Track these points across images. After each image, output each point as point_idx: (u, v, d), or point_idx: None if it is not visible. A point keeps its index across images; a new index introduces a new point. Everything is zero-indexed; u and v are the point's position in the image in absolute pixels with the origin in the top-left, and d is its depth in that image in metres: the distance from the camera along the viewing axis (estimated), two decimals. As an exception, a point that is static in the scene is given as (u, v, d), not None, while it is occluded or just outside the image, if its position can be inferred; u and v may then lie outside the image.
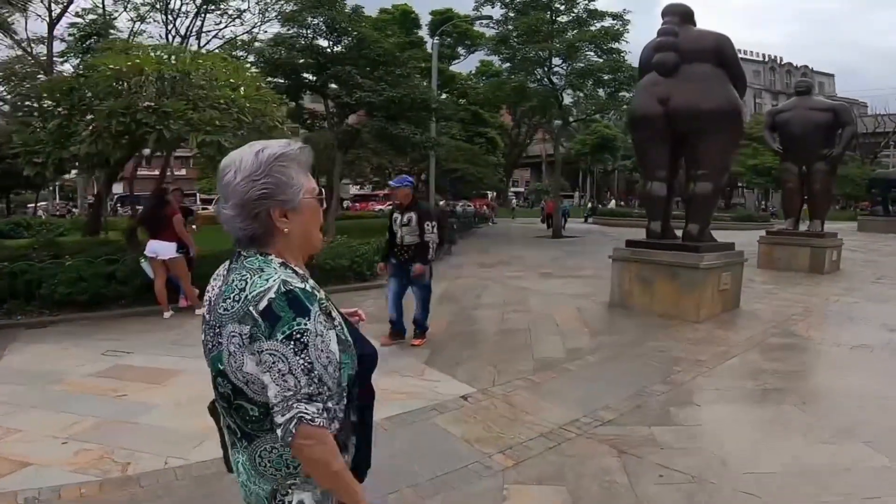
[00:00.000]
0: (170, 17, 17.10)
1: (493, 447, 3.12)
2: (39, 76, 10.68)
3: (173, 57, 7.54)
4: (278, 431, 1.00)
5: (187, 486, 2.82)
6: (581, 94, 19.56)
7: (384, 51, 13.11)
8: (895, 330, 5.83)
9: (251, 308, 1.01)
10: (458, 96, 27.31)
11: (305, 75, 14.36)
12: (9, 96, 12.27)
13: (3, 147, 9.28)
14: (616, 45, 17.41)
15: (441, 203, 29.48)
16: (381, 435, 3.09)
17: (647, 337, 5.58)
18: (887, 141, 41.52)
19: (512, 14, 18.58)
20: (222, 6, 17.75)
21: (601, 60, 17.72)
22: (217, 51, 17.21)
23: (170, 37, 17.26)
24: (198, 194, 37.96)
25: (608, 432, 3.28)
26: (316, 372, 1.01)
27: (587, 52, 17.85)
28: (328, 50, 13.71)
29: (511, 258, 12.88)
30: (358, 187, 35.82)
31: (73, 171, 22.76)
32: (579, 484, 2.73)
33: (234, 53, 15.70)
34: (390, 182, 6.03)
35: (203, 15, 17.63)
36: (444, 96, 25.94)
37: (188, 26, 18.17)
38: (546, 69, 18.42)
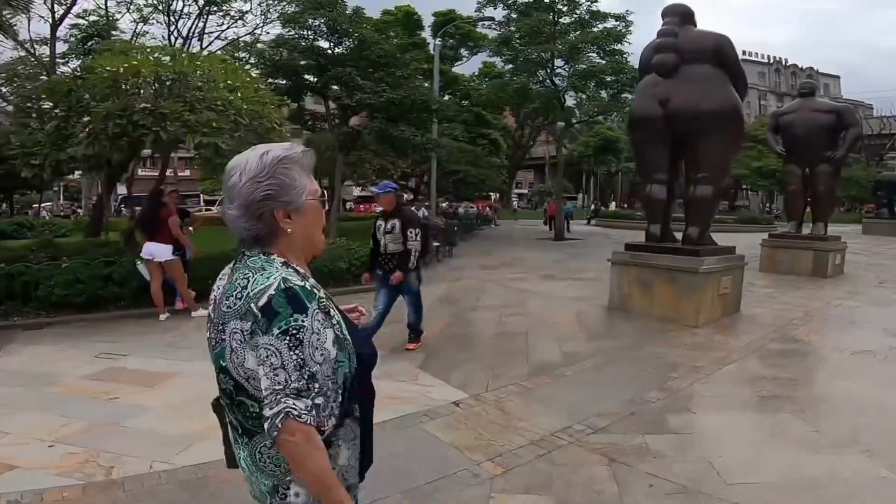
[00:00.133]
0: (172, 18, 17.13)
1: (482, 454, 3.08)
2: (42, 77, 10.71)
3: (171, 58, 7.54)
4: (265, 424, 1.01)
5: (171, 490, 2.79)
6: (583, 96, 19.48)
7: (385, 52, 13.09)
8: (898, 335, 5.75)
9: (252, 305, 1.04)
10: (461, 98, 27.25)
11: (307, 77, 14.36)
12: (12, 97, 12.31)
13: (3, 148, 9.32)
14: (618, 47, 17.33)
15: (444, 205, 29.48)
16: (370, 441, 3.05)
17: (645, 342, 5.51)
18: (893, 143, 41.23)
19: (514, 15, 18.54)
20: (224, 7, 17.78)
21: (603, 62, 17.64)
22: (219, 52, 17.22)
23: (172, 38, 17.30)
24: (201, 195, 38.13)
25: (600, 440, 3.23)
26: (308, 368, 1.02)
27: (589, 54, 17.78)
28: (329, 51, 13.70)
29: (513, 260, 12.83)
30: (360, 189, 35.86)
31: (77, 172, 22.94)
32: (567, 493, 2.68)
33: (236, 55, 15.72)
34: (373, 188, 5.86)
35: (205, 16, 17.66)
36: (447, 98, 25.93)
37: (191, 28, 18.22)
38: (548, 70, 18.36)
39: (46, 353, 5.17)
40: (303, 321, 1.03)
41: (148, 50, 8.38)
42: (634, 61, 15.37)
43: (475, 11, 19.82)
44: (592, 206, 38.85)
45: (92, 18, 16.15)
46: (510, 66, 19.54)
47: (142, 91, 6.75)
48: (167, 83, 6.96)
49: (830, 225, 10.45)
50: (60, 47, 15.92)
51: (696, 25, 6.81)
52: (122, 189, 25.49)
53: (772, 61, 61.21)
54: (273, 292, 1.04)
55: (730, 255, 6.84)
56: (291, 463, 1.05)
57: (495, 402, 3.89)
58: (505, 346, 5.44)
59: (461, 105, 25.92)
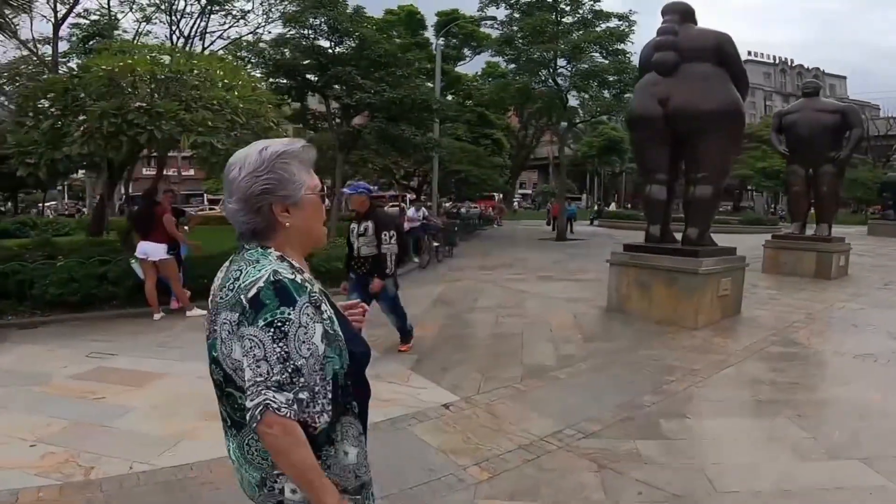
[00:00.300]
0: (174, 17, 17.15)
1: (469, 459, 3.01)
2: (44, 77, 10.71)
3: (168, 57, 7.51)
4: (247, 415, 1.02)
5: (149, 492, 2.75)
6: (586, 96, 19.37)
7: (385, 51, 13.04)
8: (901, 339, 5.64)
9: (242, 296, 1.05)
10: (464, 98, 27.21)
11: (309, 76, 14.33)
12: (14, 97, 12.35)
13: (4, 147, 9.33)
14: (621, 46, 17.22)
15: (447, 204, 29.42)
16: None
17: (642, 344, 5.43)
18: (900, 144, 40.82)
19: (517, 15, 18.46)
20: (227, 7, 17.78)
21: (606, 62, 17.54)
22: (221, 51, 17.24)
23: (174, 37, 17.31)
24: (205, 195, 38.26)
25: (590, 445, 3.16)
26: (292, 362, 1.02)
27: (592, 54, 17.67)
28: (330, 50, 13.66)
29: (513, 261, 12.76)
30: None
31: (81, 172, 23.00)
32: (554, 500, 2.61)
33: (238, 54, 15.72)
34: (344, 189, 5.59)
35: (207, 16, 17.67)
36: (450, 98, 25.87)
37: (193, 27, 18.23)
38: (551, 70, 18.27)
39: (38, 353, 5.14)
40: (289, 314, 1.03)
41: (145, 49, 8.36)
42: (637, 61, 15.28)
43: (478, 11, 19.76)
44: (596, 207, 38.68)
45: (93, 18, 16.19)
46: (513, 65, 19.46)
47: (138, 90, 6.73)
48: (163, 82, 6.93)
49: (836, 226, 10.33)
50: (63, 47, 15.94)
51: (696, 23, 6.71)
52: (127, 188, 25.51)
53: (777, 62, 60.85)
54: (262, 284, 1.04)
55: (730, 256, 6.75)
56: (273, 455, 1.05)
57: (486, 405, 3.82)
58: (500, 347, 5.37)
59: (464, 105, 25.87)
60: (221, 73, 7.77)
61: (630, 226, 23.61)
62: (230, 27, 18.72)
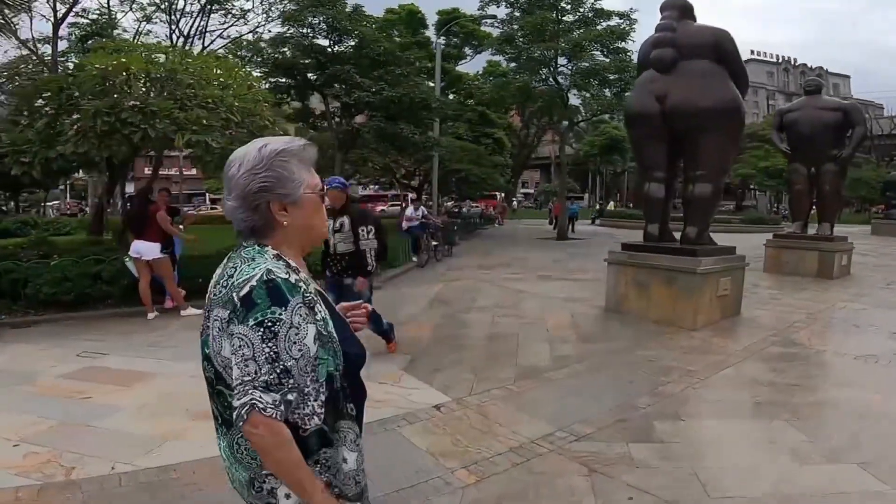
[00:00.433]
0: (173, 17, 17.13)
1: (457, 462, 2.95)
2: (43, 76, 10.71)
3: (163, 56, 7.47)
4: (234, 414, 1.02)
5: (130, 493, 2.71)
6: (587, 95, 19.27)
7: (384, 50, 12.99)
8: (903, 339, 5.55)
9: (234, 294, 1.05)
10: (465, 97, 27.12)
11: (310, 75, 14.30)
12: (13, 96, 12.33)
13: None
14: (622, 45, 17.12)
15: (449, 204, 29.34)
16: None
17: (640, 345, 5.36)
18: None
19: (517, 13, 18.37)
20: (226, 6, 17.75)
21: (607, 60, 17.44)
22: (221, 50, 17.21)
23: (174, 37, 17.30)
24: (207, 194, 38.28)
25: (582, 448, 3.09)
26: (281, 362, 1.01)
27: (593, 52, 17.58)
28: (329, 49, 13.62)
29: (512, 260, 12.69)
30: (362, 187, 35.87)
31: (82, 171, 22.99)
32: (542, 505, 2.55)
33: (239, 53, 15.68)
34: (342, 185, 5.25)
35: (207, 15, 17.64)
36: (451, 97, 25.78)
37: (194, 26, 18.21)
38: (551, 69, 18.19)
39: (29, 352, 5.11)
40: (280, 314, 1.02)
41: (141, 48, 8.32)
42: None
43: (478, 10, 19.68)
44: (597, 206, 38.56)
45: (92, 17, 16.18)
46: (513, 64, 19.38)
47: (132, 89, 6.69)
48: (158, 81, 6.89)
49: (839, 225, 10.22)
50: (63, 46, 15.94)
51: (695, 20, 6.64)
52: (129, 188, 25.56)
53: (780, 61, 60.53)
54: (255, 283, 1.04)
55: (729, 256, 6.66)
56: (260, 455, 1.05)
57: (478, 407, 3.75)
58: (495, 348, 5.30)
59: (465, 104, 25.78)
60: (217, 71, 7.73)
61: (632, 225, 23.48)
62: (230, 26, 18.71)
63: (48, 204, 35.01)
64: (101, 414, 3.64)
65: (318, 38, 13.53)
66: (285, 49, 13.66)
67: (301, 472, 1.05)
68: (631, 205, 41.88)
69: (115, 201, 14.98)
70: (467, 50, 27.60)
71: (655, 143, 6.56)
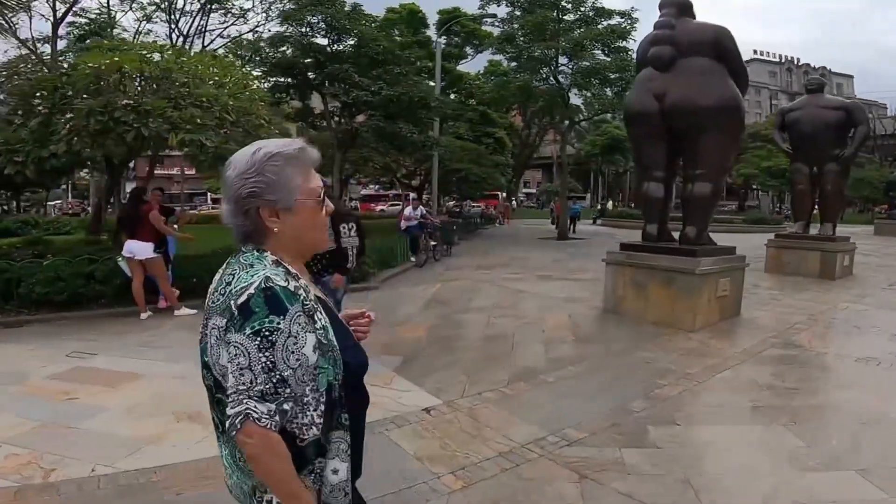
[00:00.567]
0: (173, 16, 17.10)
1: (444, 467, 2.88)
2: (38, 75, 10.66)
3: (157, 55, 7.42)
4: (227, 423, 1.00)
5: (108, 495, 2.67)
6: (588, 94, 19.18)
7: (383, 49, 12.92)
8: (906, 341, 5.45)
9: (232, 302, 1.02)
10: (466, 96, 27.03)
11: (310, 74, 14.25)
12: (12, 95, 12.31)
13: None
14: (623, 44, 17.01)
15: (450, 203, 29.27)
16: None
17: (637, 346, 5.27)
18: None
19: (518, 13, 18.28)
20: (226, 5, 17.71)
21: (608, 59, 17.33)
22: (221, 50, 17.16)
23: (173, 36, 17.27)
24: (208, 193, 38.30)
25: (573, 454, 3.01)
26: (278, 372, 0.99)
27: (594, 51, 17.48)
28: (328, 48, 13.56)
29: (512, 260, 12.61)
30: (362, 187, 35.85)
31: (84, 171, 22.97)
32: (530, 513, 2.47)
33: (238, 53, 15.64)
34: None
35: (207, 14, 17.61)
36: (452, 96, 25.70)
37: (192, 26, 18.17)
38: (552, 68, 18.09)
39: (19, 352, 5.07)
40: (278, 323, 1.00)
41: (136, 47, 8.28)
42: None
43: (479, 9, 19.60)
44: (599, 206, 38.43)
45: (90, 16, 16.15)
46: (514, 63, 19.30)
47: (126, 88, 6.64)
48: (152, 80, 6.85)
49: (841, 225, 10.11)
50: (63, 45, 15.92)
51: (694, 17, 6.55)
52: (130, 187, 25.50)
53: (783, 60, 60.24)
54: (253, 291, 1.01)
55: (729, 256, 6.57)
56: (251, 464, 1.03)
57: (469, 410, 3.68)
58: (489, 349, 5.23)
59: (466, 104, 25.69)
60: (213, 70, 7.68)
61: (633, 225, 23.36)
62: (230, 25, 18.67)
63: (50, 203, 35.08)
64: (85, 415, 3.59)
65: (316, 38, 13.47)
66: (284, 48, 13.62)
67: (293, 483, 1.03)
68: (633, 205, 41.75)
69: (114, 201, 14.94)
70: (468, 49, 27.53)
71: (654, 141, 6.47)
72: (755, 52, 58.57)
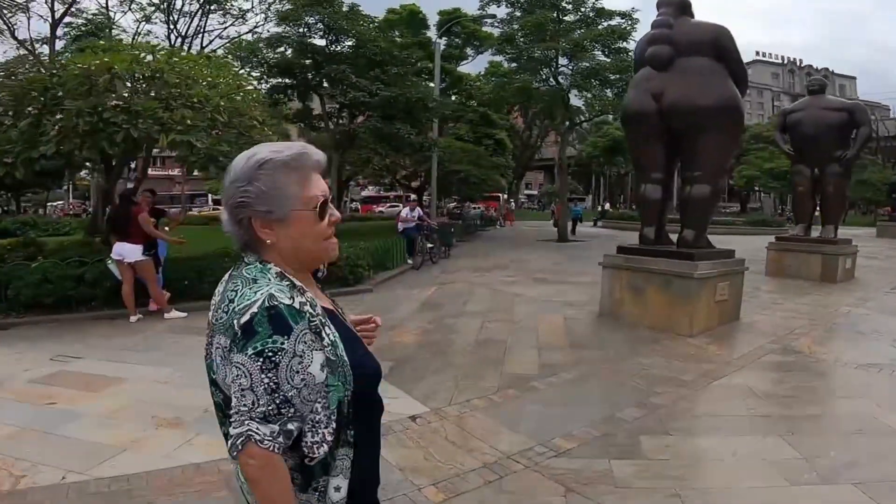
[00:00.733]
0: (171, 17, 17.06)
1: (427, 478, 2.78)
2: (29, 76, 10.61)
3: (149, 56, 7.35)
4: (228, 443, 0.98)
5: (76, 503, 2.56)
6: (589, 95, 19.06)
7: (381, 50, 12.85)
8: (908, 347, 5.33)
9: (235, 321, 0.99)
10: (467, 97, 26.96)
11: (309, 75, 14.18)
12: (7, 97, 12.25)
13: None
14: (623, 45, 16.89)
15: (451, 205, 29.17)
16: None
17: (633, 352, 5.16)
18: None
19: (518, 13, 18.19)
20: (225, 6, 17.67)
21: (608, 60, 17.23)
22: (220, 51, 17.12)
23: (172, 37, 17.23)
24: (209, 195, 38.24)
25: (560, 465, 2.91)
26: (281, 393, 0.96)
27: (594, 52, 17.37)
28: (326, 49, 13.50)
29: (510, 262, 12.49)
30: (361, 189, 35.82)
31: (84, 171, 22.97)
32: (512, 530, 2.37)
33: (238, 54, 15.58)
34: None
35: (206, 15, 17.57)
36: (453, 97, 25.63)
37: (194, 26, 18.13)
38: (552, 69, 17.99)
39: (4, 355, 4.99)
40: (282, 343, 0.96)
41: (129, 47, 8.21)
42: (639, 59, 14.92)
43: (478, 10, 19.52)
44: (600, 208, 38.32)
45: (87, 17, 16.13)
46: (514, 64, 19.20)
47: (116, 88, 6.57)
48: (143, 80, 6.78)
49: (843, 228, 9.98)
50: (61, 47, 15.90)
51: (693, 16, 6.44)
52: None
53: (786, 62, 60.00)
54: (256, 310, 0.97)
55: (728, 260, 6.45)
56: (251, 487, 0.99)
57: (456, 418, 3.58)
58: (481, 354, 5.12)
59: (466, 105, 25.62)
60: (205, 70, 7.60)
61: (635, 227, 23.11)
62: (229, 26, 18.63)
63: (51, 204, 35.13)
64: (63, 420, 3.52)
65: (314, 38, 13.41)
66: (282, 49, 13.56)
67: None
68: (634, 206, 41.59)
69: (113, 201, 14.94)
70: (469, 50, 27.48)
71: (652, 142, 6.36)
72: (758, 53, 58.41)
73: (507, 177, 30.18)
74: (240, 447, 0.96)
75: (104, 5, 16.42)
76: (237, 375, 0.97)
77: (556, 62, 17.87)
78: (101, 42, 10.63)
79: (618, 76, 17.08)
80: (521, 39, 17.85)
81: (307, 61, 13.50)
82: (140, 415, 3.62)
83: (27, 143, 6.44)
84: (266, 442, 0.95)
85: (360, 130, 13.43)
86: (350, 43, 13.40)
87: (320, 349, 1.01)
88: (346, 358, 1.05)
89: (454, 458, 3.00)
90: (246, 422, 0.96)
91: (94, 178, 27.09)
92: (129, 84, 6.81)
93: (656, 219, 6.58)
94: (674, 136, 6.25)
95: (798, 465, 2.95)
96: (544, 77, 18.48)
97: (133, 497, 2.66)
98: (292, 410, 0.98)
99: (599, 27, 17.36)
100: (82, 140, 6.21)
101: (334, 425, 1.03)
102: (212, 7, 17.42)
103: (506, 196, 36.21)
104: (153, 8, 17.59)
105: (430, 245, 11.90)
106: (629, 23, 17.09)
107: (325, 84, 13.14)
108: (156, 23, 18.21)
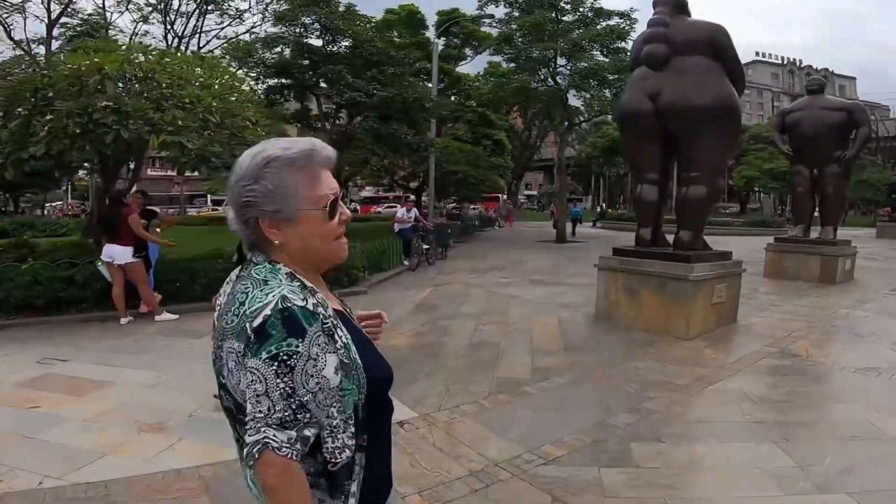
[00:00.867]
0: (168, 17, 17.02)
1: (411, 486, 2.71)
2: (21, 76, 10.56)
3: (140, 56, 7.29)
4: (244, 451, 0.96)
5: (51, 511, 2.50)
6: (587, 95, 19.00)
7: (377, 50, 12.79)
8: (907, 350, 5.26)
9: (247, 324, 0.96)
10: (465, 98, 26.90)
11: (307, 75, 14.12)
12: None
13: None
14: (622, 45, 16.83)
15: (450, 206, 29.09)
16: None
17: (627, 355, 5.09)
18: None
19: (516, 13, 18.14)
20: (223, 6, 17.63)
21: (606, 60, 17.17)
22: (217, 51, 17.06)
23: (169, 37, 17.19)
24: (208, 196, 38.22)
25: (549, 474, 2.84)
26: (297, 398, 0.94)
27: (592, 52, 17.32)
28: (323, 49, 13.44)
29: (507, 263, 12.42)
30: (359, 189, 35.78)
31: (82, 172, 22.90)
32: (496, 542, 2.30)
33: (235, 54, 15.53)
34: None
35: (203, 16, 17.52)
36: (452, 98, 25.56)
37: (191, 26, 18.10)
38: (550, 69, 17.93)
39: (-8, 358, 4.92)
40: (297, 346, 0.94)
41: (122, 47, 8.16)
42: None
43: (477, 10, 19.46)
44: (598, 209, 38.27)
45: (83, 17, 16.08)
46: (512, 64, 19.15)
47: (107, 89, 6.50)
48: (133, 81, 6.72)
49: (843, 229, 9.91)
50: (57, 47, 15.87)
51: (689, 15, 6.38)
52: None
53: (786, 62, 59.89)
54: (269, 312, 0.94)
55: (725, 262, 6.38)
56: (266, 494, 0.97)
57: (445, 424, 3.51)
58: (474, 358, 5.06)
59: (465, 105, 25.55)
60: (198, 70, 7.54)
61: (634, 228, 23.11)
62: (226, 26, 18.59)
63: (50, 205, 35.08)
64: (44, 425, 3.46)
65: (311, 38, 13.36)
66: (279, 49, 13.50)
67: None
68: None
69: (101, 202, 14.90)
70: (467, 51, 27.41)
71: (648, 143, 6.30)
72: (757, 53, 58.34)
73: (506, 177, 30.12)
74: (256, 455, 0.93)
75: (101, 6, 16.41)
76: (252, 381, 0.94)
77: (555, 62, 17.82)
78: (93, 42, 10.56)
79: (616, 76, 17.01)
80: (520, 39, 17.80)
81: (304, 62, 13.47)
82: (123, 419, 3.56)
83: (17, 143, 6.38)
84: (283, 449, 0.93)
85: (358, 131, 13.35)
86: (347, 43, 13.35)
87: (333, 352, 0.99)
88: (359, 361, 1.03)
89: (441, 466, 2.93)
90: (262, 429, 0.93)
91: (93, 178, 27.09)
92: (119, 85, 6.75)
93: (653, 220, 6.51)
94: (670, 137, 6.19)
95: (792, 473, 2.88)
96: (543, 77, 18.43)
97: (110, 502, 2.61)
98: (308, 416, 0.95)
99: (598, 27, 17.31)
100: (72, 141, 6.14)
101: (353, 429, 1.01)
102: (209, 7, 17.36)
103: (505, 197, 36.16)
104: (150, 8, 17.56)
105: (426, 246, 11.83)
106: (628, 23, 17.04)
107: (322, 84, 13.06)
108: (153, 23, 18.20)
